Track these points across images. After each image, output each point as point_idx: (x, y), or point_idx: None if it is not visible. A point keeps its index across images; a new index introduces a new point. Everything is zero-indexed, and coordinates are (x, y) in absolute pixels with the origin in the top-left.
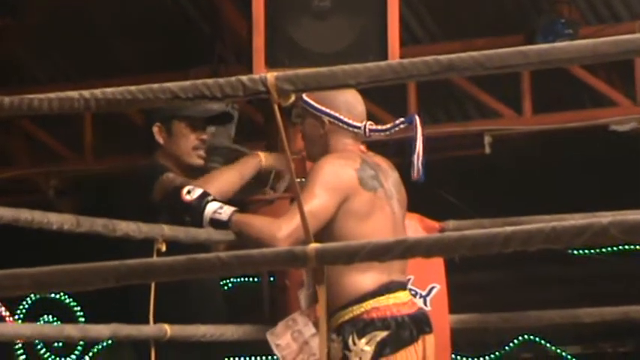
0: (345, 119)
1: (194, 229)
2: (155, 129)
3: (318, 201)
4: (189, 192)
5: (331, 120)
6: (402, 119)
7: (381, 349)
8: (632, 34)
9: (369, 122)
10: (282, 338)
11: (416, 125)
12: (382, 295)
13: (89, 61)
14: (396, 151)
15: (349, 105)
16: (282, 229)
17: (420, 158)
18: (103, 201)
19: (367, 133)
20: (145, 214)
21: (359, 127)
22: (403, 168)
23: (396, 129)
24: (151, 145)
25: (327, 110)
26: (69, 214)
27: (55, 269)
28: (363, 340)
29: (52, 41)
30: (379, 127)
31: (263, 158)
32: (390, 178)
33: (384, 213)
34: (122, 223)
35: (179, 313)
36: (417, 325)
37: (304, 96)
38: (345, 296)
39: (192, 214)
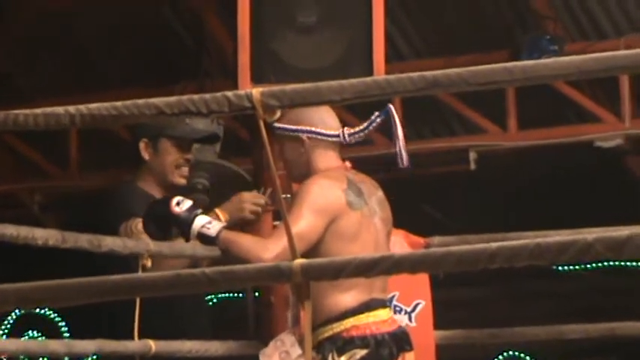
0: (322, 131)
1: (179, 244)
2: (142, 144)
3: (305, 222)
4: (178, 203)
5: (309, 136)
6: (377, 113)
7: None
8: (617, 50)
9: (346, 127)
10: (273, 358)
11: (392, 115)
12: (362, 313)
13: (75, 76)
14: (380, 167)
15: (323, 118)
16: (268, 250)
17: (404, 145)
18: (88, 217)
19: (346, 139)
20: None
21: (337, 135)
22: (387, 183)
23: (374, 125)
24: (137, 160)
25: (303, 127)
26: (54, 230)
27: (40, 285)
28: (343, 358)
29: (37, 56)
30: (357, 129)
31: (220, 215)
32: (373, 195)
33: (369, 232)
34: (107, 238)
35: (164, 329)
36: (396, 343)
37: (276, 124)
38: (326, 313)
39: (181, 225)
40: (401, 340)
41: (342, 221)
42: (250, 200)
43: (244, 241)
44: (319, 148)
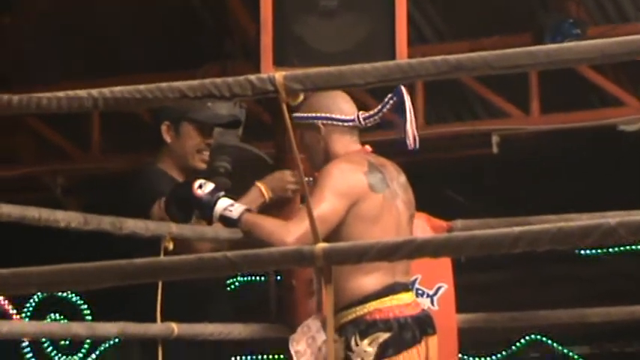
0: (338, 116)
1: (201, 227)
2: (163, 127)
3: (327, 205)
4: (200, 186)
5: (325, 122)
6: (389, 95)
7: (383, 350)
8: None
9: (361, 112)
10: (300, 344)
11: (403, 95)
12: (386, 296)
13: (97, 59)
14: (402, 151)
15: (337, 104)
16: (291, 233)
17: (414, 126)
18: (111, 199)
19: (362, 122)
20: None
21: (353, 120)
22: (409, 167)
23: (388, 106)
24: (158, 143)
25: (318, 114)
26: (76, 212)
27: (63, 268)
28: (366, 342)
29: (59, 41)
30: (371, 112)
31: (265, 191)
32: (395, 179)
33: (391, 215)
34: (129, 220)
35: (186, 312)
36: (420, 326)
37: (293, 114)
38: (349, 297)
39: (203, 208)
40: (424, 323)
41: (363, 204)
42: (292, 178)
43: (266, 224)
44: (336, 134)
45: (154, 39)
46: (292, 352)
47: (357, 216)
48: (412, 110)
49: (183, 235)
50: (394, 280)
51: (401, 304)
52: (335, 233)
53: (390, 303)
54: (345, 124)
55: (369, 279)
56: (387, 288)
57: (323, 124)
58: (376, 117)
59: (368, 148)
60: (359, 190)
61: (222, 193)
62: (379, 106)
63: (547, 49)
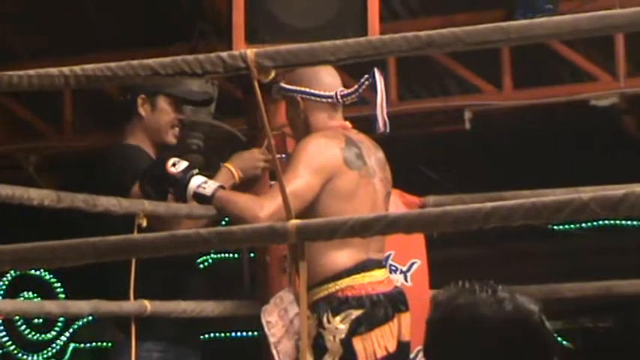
0: (315, 92)
1: (175, 204)
2: (139, 100)
3: (301, 180)
4: (174, 164)
5: (303, 96)
6: (366, 76)
7: (355, 327)
8: (612, 9)
9: (340, 88)
10: (272, 315)
11: (376, 79)
12: (358, 273)
13: (68, 37)
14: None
15: (317, 78)
16: (264, 208)
17: (384, 110)
18: (84, 177)
19: (340, 100)
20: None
21: (331, 97)
22: (381, 143)
23: (364, 87)
24: (128, 117)
25: (296, 88)
26: (49, 190)
27: (35, 246)
28: (338, 318)
29: (31, 17)
30: (348, 91)
31: (234, 172)
32: (373, 156)
33: (367, 192)
34: (103, 198)
35: (159, 290)
36: (392, 303)
37: (281, 84)
38: (321, 273)
39: (177, 186)
40: (397, 300)
41: (338, 180)
42: (261, 156)
43: (240, 200)
44: (316, 109)
45: (125, 17)
46: (264, 322)
47: (332, 192)
48: (384, 94)
49: (156, 212)
50: (367, 256)
51: (373, 280)
52: (309, 210)
53: (363, 280)
54: (323, 99)
55: (342, 256)
56: (360, 265)
57: (302, 98)
58: (353, 95)
59: (348, 124)
60: (334, 165)
61: (196, 170)
62: (356, 86)
63: (518, 25)
